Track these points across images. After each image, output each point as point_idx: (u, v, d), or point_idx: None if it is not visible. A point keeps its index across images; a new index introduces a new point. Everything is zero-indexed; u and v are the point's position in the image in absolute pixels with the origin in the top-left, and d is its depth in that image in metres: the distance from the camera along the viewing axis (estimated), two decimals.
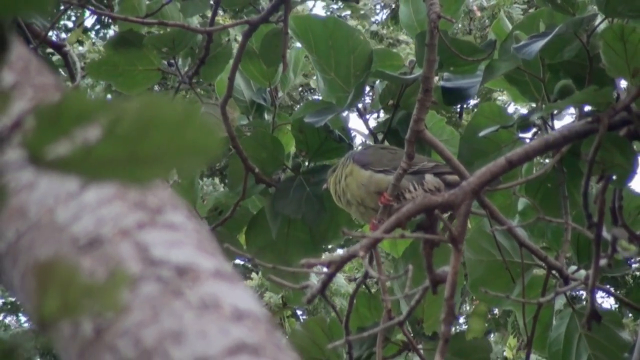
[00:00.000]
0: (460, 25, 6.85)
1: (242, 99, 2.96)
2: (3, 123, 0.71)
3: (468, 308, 6.21)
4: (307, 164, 2.85)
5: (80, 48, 6.36)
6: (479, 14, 6.88)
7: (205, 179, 5.70)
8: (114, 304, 0.64)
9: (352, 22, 7.28)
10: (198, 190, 2.85)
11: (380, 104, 2.78)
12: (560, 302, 2.55)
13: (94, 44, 6.46)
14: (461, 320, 6.38)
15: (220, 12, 6.04)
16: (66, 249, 0.73)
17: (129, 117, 0.61)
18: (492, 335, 6.33)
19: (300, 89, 6.96)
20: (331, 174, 2.59)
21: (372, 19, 7.46)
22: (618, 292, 5.38)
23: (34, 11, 0.62)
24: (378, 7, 7.51)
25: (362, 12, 7.24)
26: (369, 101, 3.28)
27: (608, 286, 5.58)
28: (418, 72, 2.53)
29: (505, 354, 5.67)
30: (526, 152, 1.84)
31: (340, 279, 5.79)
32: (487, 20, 6.90)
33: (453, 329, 2.43)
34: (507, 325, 5.97)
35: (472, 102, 6.97)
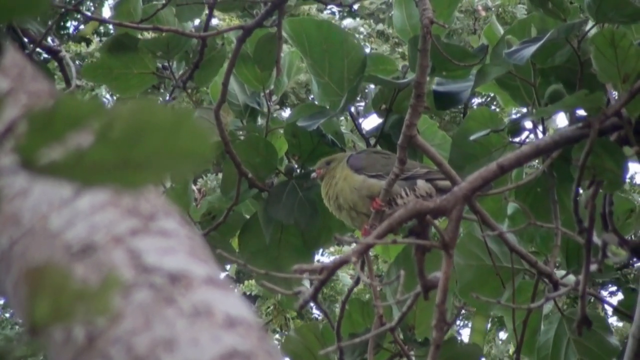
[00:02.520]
0: (464, 25, 6.84)
1: (236, 102, 2.97)
2: None
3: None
4: (300, 168, 2.85)
5: (87, 47, 6.32)
6: (483, 13, 6.87)
7: (209, 175, 5.68)
8: (106, 309, 0.64)
9: (359, 21, 7.26)
10: (191, 195, 2.86)
11: (373, 108, 2.79)
12: (548, 306, 2.56)
13: (100, 40, 6.42)
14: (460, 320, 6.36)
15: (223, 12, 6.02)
16: (59, 256, 0.74)
17: (121, 122, 0.61)
18: (500, 334, 6.30)
19: (306, 87, 6.94)
20: (324, 166, 2.57)
21: (380, 17, 7.42)
22: (621, 293, 5.38)
23: (26, 16, 0.63)
24: (384, 6, 7.49)
25: (370, 10, 7.21)
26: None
27: (610, 286, 5.58)
28: (411, 76, 2.54)
29: (510, 352, 5.68)
30: (517, 157, 1.85)
31: (346, 278, 5.78)
32: None
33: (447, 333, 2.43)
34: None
35: (477, 102, 6.97)
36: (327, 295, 5.95)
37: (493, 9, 6.81)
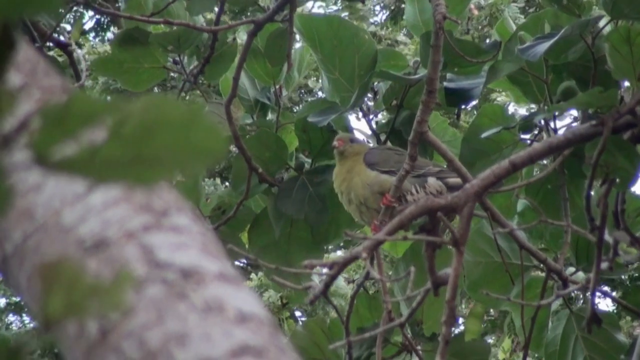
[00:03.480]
0: (459, 26, 6.84)
1: (247, 98, 2.97)
2: (10, 124, 0.71)
3: (463, 307, 6.21)
4: (310, 163, 2.85)
5: (79, 50, 6.34)
6: (476, 12, 6.86)
7: (206, 180, 5.72)
8: (119, 304, 0.65)
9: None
10: (202, 190, 2.86)
11: (384, 104, 2.78)
12: (556, 302, 2.55)
13: (93, 46, 6.47)
14: (460, 320, 6.38)
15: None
16: (72, 251, 0.74)
17: (134, 118, 0.61)
18: (490, 338, 6.32)
19: (299, 90, 6.95)
20: (348, 141, 2.53)
21: (371, 20, 7.43)
22: (615, 292, 5.37)
23: (42, 11, 0.63)
24: (377, 7, 7.49)
25: (361, 13, 7.22)
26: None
27: (605, 287, 5.58)
28: (422, 72, 2.53)
29: (498, 355, 5.66)
30: (530, 155, 1.85)
31: (339, 280, 5.80)
32: (484, 20, 6.86)
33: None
34: (503, 327, 5.98)
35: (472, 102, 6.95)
36: (321, 298, 5.95)
37: (486, 8, 6.79)
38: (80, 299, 0.63)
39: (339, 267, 1.56)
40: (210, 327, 0.68)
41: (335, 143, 2.55)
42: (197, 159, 0.63)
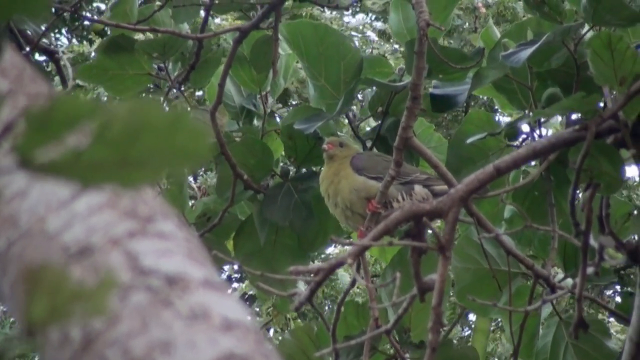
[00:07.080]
0: (466, 24, 6.84)
1: (232, 104, 2.97)
2: None
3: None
4: (296, 170, 2.85)
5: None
6: (484, 10, 6.87)
7: (209, 173, 5.69)
8: (102, 308, 0.64)
9: (360, 20, 7.25)
10: (187, 197, 2.86)
11: (370, 111, 2.79)
12: (546, 311, 2.56)
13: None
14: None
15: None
16: (57, 257, 0.74)
17: (119, 121, 0.61)
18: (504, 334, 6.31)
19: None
20: (337, 145, 2.53)
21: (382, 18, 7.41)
22: (626, 289, 5.38)
23: (26, 15, 0.62)
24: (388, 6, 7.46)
25: (374, 10, 7.20)
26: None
27: (615, 286, 5.58)
28: (407, 79, 2.54)
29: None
30: (514, 159, 1.85)
31: (345, 277, 5.78)
32: (492, 18, 6.88)
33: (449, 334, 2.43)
34: None
35: (481, 102, 6.95)
36: (328, 295, 5.97)
37: (493, 6, 6.80)
38: (63, 304, 0.63)
39: (324, 273, 1.56)
40: (196, 335, 0.68)
41: (325, 146, 2.57)
42: (182, 161, 0.63)
